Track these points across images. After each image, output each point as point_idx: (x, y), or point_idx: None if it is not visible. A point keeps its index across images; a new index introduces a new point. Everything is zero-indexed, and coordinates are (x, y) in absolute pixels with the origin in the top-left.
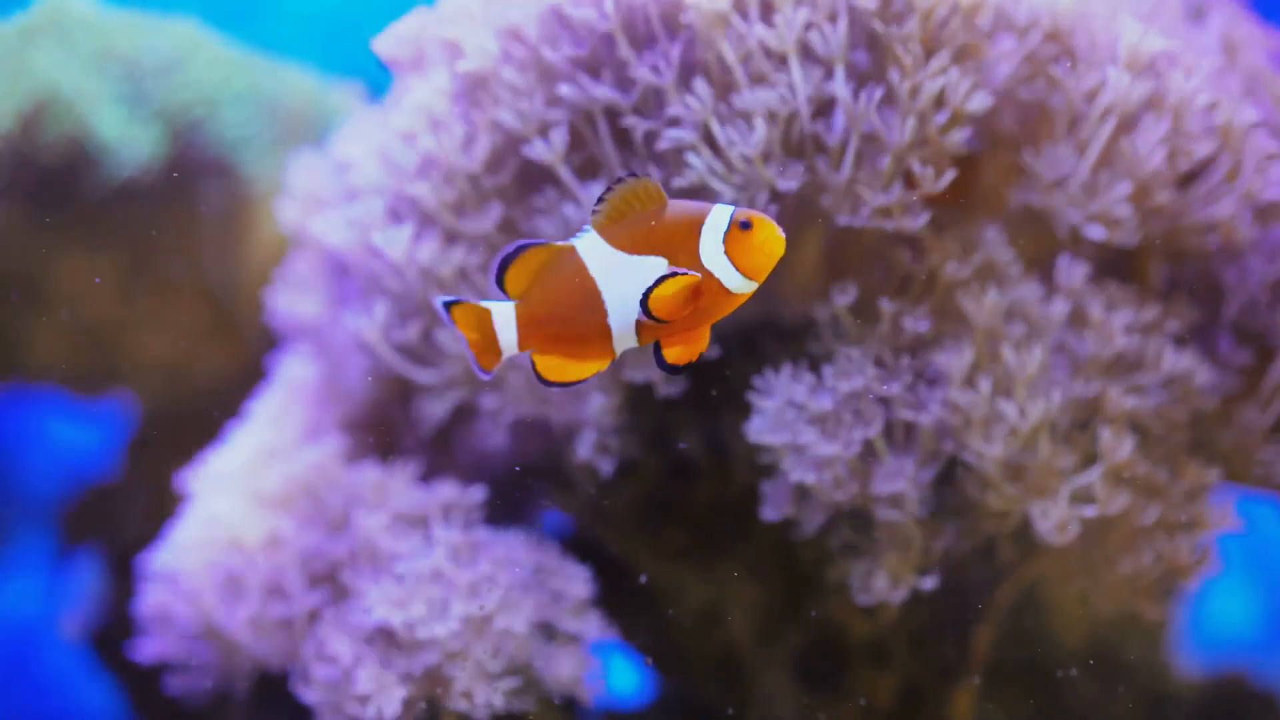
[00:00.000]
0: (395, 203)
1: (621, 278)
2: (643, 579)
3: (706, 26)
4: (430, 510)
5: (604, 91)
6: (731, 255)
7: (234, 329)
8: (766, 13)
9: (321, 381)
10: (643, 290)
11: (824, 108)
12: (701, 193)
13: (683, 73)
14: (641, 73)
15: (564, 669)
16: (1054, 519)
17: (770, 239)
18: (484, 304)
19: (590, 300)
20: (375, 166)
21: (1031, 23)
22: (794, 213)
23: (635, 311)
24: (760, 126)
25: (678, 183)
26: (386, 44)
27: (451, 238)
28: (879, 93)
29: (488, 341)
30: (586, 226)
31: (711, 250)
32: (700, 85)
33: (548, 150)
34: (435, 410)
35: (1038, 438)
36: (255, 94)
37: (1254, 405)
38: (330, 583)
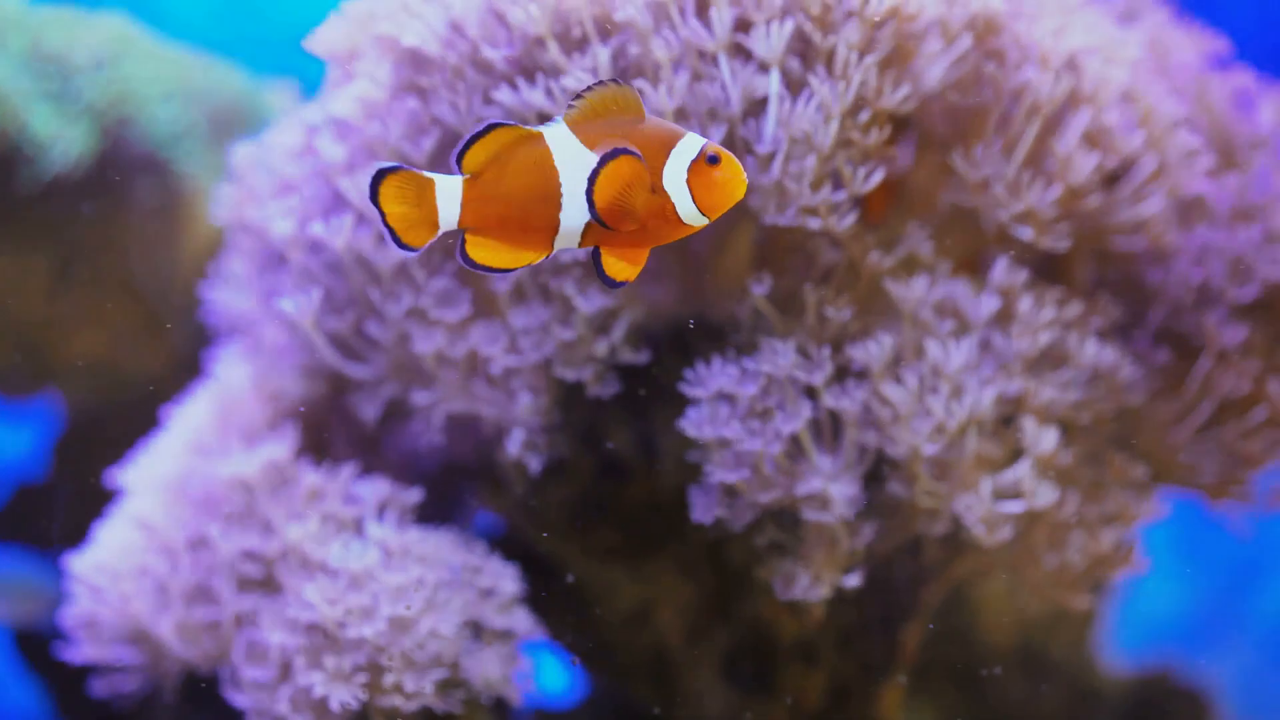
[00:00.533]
0: (333, 193)
1: (584, 174)
2: (570, 579)
3: (642, 26)
4: (363, 510)
5: (538, 97)
6: (692, 184)
7: (165, 327)
8: (703, 13)
9: (254, 380)
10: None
11: (752, 108)
12: None
13: (618, 75)
14: (572, 79)
15: (492, 668)
16: (981, 515)
17: (734, 179)
18: (427, 174)
19: (547, 189)
20: (313, 158)
21: (964, 27)
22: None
23: (586, 213)
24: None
25: None
26: (320, 40)
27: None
28: (815, 99)
29: (423, 215)
30: (558, 118)
31: (675, 174)
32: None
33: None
34: (368, 407)
35: (965, 433)
36: (187, 91)
37: (1179, 405)
38: (261, 585)
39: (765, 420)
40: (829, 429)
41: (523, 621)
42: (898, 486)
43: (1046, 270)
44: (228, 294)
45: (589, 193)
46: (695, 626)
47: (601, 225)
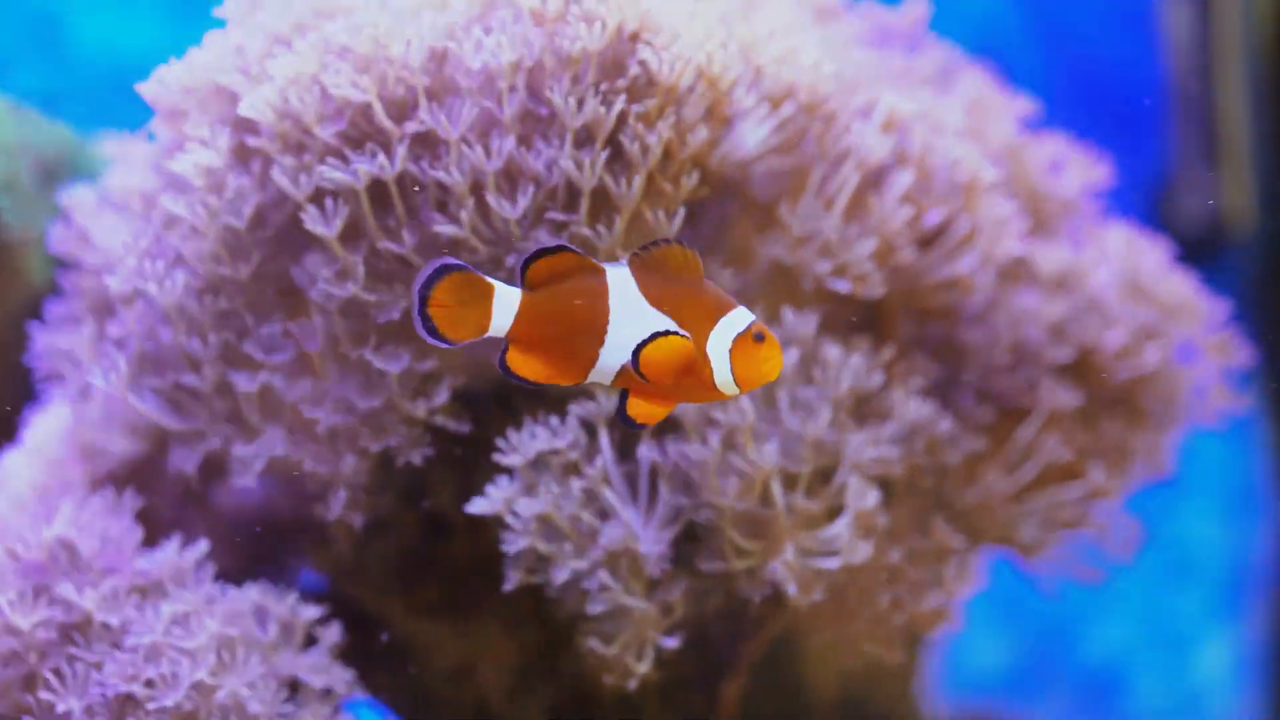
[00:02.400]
0: (169, 244)
1: (632, 322)
2: (384, 638)
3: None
4: (164, 573)
5: (366, 168)
6: (734, 356)
7: None
8: (534, 87)
9: (74, 434)
10: (640, 340)
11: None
12: (456, 248)
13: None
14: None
15: None
16: (794, 573)
17: (773, 360)
18: (489, 280)
19: (594, 326)
20: (148, 207)
21: (786, 92)
22: None
23: (626, 357)
24: (528, 194)
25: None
26: (151, 90)
27: (215, 288)
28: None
29: (475, 316)
30: (624, 260)
31: (719, 343)
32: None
33: (321, 222)
34: (187, 461)
35: (769, 488)
36: (11, 143)
37: (998, 466)
38: (62, 654)
39: (571, 478)
40: (646, 488)
41: (341, 679)
42: (713, 546)
43: (866, 326)
44: (55, 337)
45: (636, 352)
46: (518, 683)
47: (640, 377)
